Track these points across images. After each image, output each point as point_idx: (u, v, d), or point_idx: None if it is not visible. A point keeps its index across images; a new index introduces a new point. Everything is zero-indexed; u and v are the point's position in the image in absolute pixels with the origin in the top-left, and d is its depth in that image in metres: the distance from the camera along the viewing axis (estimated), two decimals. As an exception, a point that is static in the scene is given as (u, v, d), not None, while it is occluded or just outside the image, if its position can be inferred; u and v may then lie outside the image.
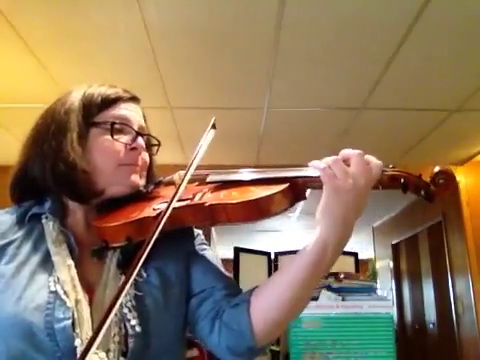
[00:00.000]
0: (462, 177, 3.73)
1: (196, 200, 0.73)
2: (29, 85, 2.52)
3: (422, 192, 0.68)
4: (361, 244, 6.15)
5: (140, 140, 0.80)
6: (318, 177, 0.69)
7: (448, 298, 4.07)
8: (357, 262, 4.84)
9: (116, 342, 0.67)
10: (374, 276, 6.60)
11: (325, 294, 2.52)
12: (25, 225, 0.77)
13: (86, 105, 0.79)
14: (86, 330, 0.66)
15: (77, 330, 0.66)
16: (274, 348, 3.17)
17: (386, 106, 2.81)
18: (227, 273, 0.85)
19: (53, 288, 0.69)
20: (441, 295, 4.34)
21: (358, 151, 0.69)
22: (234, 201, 0.69)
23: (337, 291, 2.53)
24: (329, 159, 0.69)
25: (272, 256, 4.50)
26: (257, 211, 0.69)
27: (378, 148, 3.46)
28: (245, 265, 4.26)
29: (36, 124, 0.83)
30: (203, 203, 0.71)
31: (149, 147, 0.86)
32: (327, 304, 2.51)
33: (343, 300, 2.51)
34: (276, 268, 4.45)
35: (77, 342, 0.65)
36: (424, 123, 3.05)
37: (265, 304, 0.72)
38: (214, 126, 0.80)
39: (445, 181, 0.67)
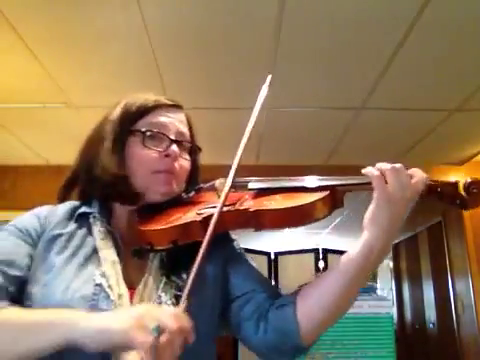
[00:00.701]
0: (462, 177, 3.73)
1: (240, 206, 0.77)
2: (29, 85, 2.52)
3: (457, 201, 0.73)
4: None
5: (174, 147, 0.82)
6: (356, 185, 0.74)
7: (448, 298, 4.07)
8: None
9: None
10: (374, 276, 6.60)
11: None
12: (74, 222, 0.82)
13: (124, 114, 0.84)
14: None
15: None
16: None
17: (386, 106, 2.81)
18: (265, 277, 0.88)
19: (98, 281, 0.72)
20: (441, 295, 4.34)
21: (400, 165, 0.73)
22: (277, 207, 0.73)
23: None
24: (381, 166, 0.73)
25: (272, 256, 4.50)
26: (299, 217, 0.73)
27: (378, 148, 3.46)
28: (245, 265, 4.25)
29: (91, 129, 0.88)
30: (247, 208, 0.74)
31: (191, 153, 0.89)
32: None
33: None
34: (276, 268, 4.45)
35: None
36: (424, 123, 3.05)
37: (311, 305, 0.75)
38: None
39: (478, 190, 0.73)
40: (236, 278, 0.83)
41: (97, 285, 0.72)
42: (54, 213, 0.84)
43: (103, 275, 0.73)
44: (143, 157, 0.81)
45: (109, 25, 2.03)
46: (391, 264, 5.83)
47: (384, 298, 3.43)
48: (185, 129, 0.87)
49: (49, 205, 0.87)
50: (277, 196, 0.78)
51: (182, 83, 2.50)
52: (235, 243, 0.91)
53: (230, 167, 0.81)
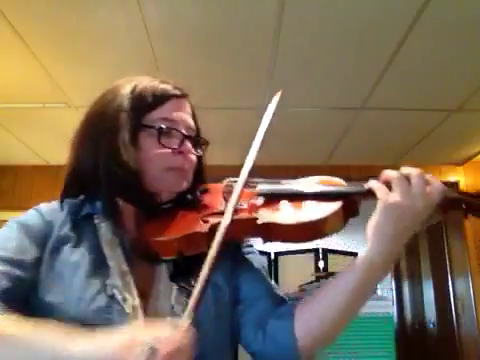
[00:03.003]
0: (462, 177, 3.73)
1: (249, 215, 0.72)
2: (29, 85, 2.52)
3: None
4: (361, 244, 6.15)
5: (187, 144, 0.79)
6: (373, 193, 0.66)
7: (448, 298, 4.07)
8: (357, 262, 4.83)
9: None
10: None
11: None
12: (77, 224, 0.76)
13: (136, 103, 0.77)
14: None
15: None
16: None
17: (386, 106, 2.81)
18: (271, 281, 0.84)
19: (110, 292, 0.69)
20: (441, 295, 4.34)
21: (419, 170, 0.65)
22: (288, 223, 0.69)
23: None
24: (390, 174, 0.66)
25: (272, 256, 4.50)
26: (311, 233, 0.69)
27: (378, 148, 3.46)
28: (245, 265, 4.25)
29: (86, 120, 0.81)
30: (255, 219, 0.70)
31: (198, 146, 0.84)
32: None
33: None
34: (276, 268, 4.45)
35: None
36: (424, 123, 3.05)
37: (310, 319, 0.72)
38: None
39: None
40: (243, 280, 0.81)
41: (110, 297, 0.68)
42: (57, 213, 0.78)
43: (114, 286, 0.69)
44: (157, 154, 0.76)
45: (109, 25, 2.03)
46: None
47: (384, 298, 3.42)
48: (192, 121, 0.84)
49: (49, 203, 0.80)
50: (288, 205, 0.72)
51: (182, 83, 2.50)
52: (243, 245, 0.87)
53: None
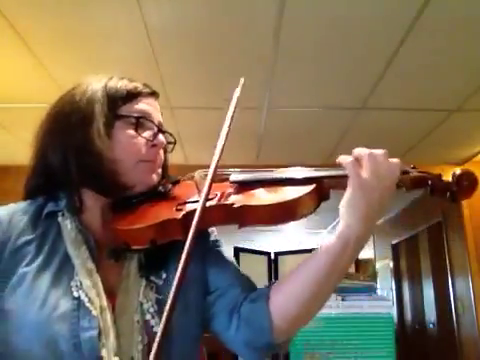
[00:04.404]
0: (378, 150, 3.73)
1: (223, 201, 0.71)
2: (29, 85, 2.52)
3: (448, 194, 0.71)
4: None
5: (161, 137, 0.79)
6: (344, 176, 0.68)
7: (448, 298, 4.07)
8: (357, 262, 4.84)
9: (140, 350, 0.66)
10: (374, 276, 6.60)
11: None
12: (41, 223, 0.74)
13: (110, 96, 0.76)
14: (111, 339, 0.64)
15: (103, 339, 0.64)
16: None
17: (386, 106, 2.81)
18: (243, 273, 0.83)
19: (76, 294, 0.67)
20: (441, 295, 4.34)
21: (384, 150, 0.69)
22: (264, 203, 0.69)
23: (337, 291, 2.53)
24: (359, 152, 0.68)
25: (272, 256, 4.50)
26: (286, 213, 0.69)
27: (378, 148, 3.46)
28: (245, 265, 4.25)
29: (51, 114, 0.80)
30: (231, 204, 0.70)
31: (167, 143, 0.84)
32: (327, 304, 2.51)
33: (343, 300, 2.51)
34: (276, 268, 4.45)
35: (104, 352, 0.63)
36: (424, 123, 3.05)
37: (285, 300, 0.72)
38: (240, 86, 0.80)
39: (469, 182, 0.70)
40: (212, 273, 0.79)
41: (75, 299, 0.66)
42: (17, 215, 0.74)
43: (80, 286, 0.67)
44: (132, 144, 0.75)
45: (109, 25, 2.03)
46: (391, 264, 5.83)
47: (384, 298, 3.42)
48: (161, 120, 0.83)
49: (7, 206, 0.77)
50: (261, 190, 0.73)
51: (182, 83, 2.50)
52: (212, 235, 0.85)
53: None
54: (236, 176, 0.77)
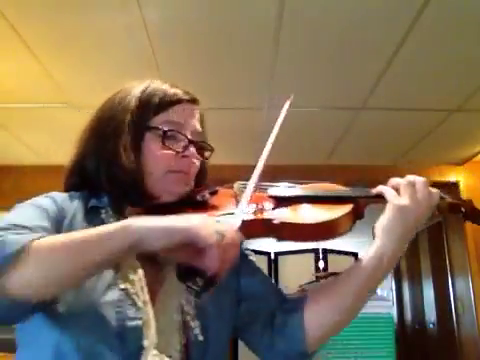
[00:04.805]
0: (462, 177, 3.73)
1: (262, 215, 0.74)
2: (29, 85, 2.52)
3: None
4: (361, 244, 6.15)
5: (192, 148, 0.79)
6: (381, 197, 0.75)
7: (448, 298, 4.07)
8: (357, 262, 4.82)
9: (177, 350, 0.68)
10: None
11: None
12: (86, 214, 0.75)
13: (142, 106, 0.78)
14: (152, 332, 0.66)
15: (145, 331, 0.65)
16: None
17: (386, 106, 2.81)
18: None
19: (122, 286, 0.68)
20: (441, 295, 4.34)
21: (423, 178, 0.75)
22: (304, 222, 0.72)
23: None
24: (398, 180, 0.75)
25: (272, 256, 4.50)
26: (324, 233, 0.73)
27: (378, 148, 3.46)
28: (245, 265, 4.25)
29: (94, 117, 0.81)
30: (271, 219, 0.72)
31: (202, 151, 0.84)
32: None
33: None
34: (276, 268, 4.45)
35: (145, 342, 0.65)
36: (424, 123, 3.05)
37: (319, 312, 0.76)
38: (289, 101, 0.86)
39: None
40: (245, 282, 0.83)
41: (122, 290, 0.68)
42: (68, 202, 0.76)
43: (126, 279, 0.69)
44: (161, 156, 0.76)
45: (109, 25, 2.03)
46: (391, 264, 5.82)
47: (384, 298, 3.42)
48: (200, 127, 0.84)
49: (59, 192, 0.79)
50: (300, 206, 0.76)
51: (182, 83, 2.50)
52: (244, 244, 0.87)
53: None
54: (275, 190, 0.79)
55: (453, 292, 3.99)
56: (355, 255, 4.77)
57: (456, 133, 3.21)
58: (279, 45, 2.16)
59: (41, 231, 0.65)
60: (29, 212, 0.70)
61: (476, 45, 2.16)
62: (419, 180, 0.74)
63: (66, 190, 0.80)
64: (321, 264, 4.41)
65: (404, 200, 0.73)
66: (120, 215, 0.77)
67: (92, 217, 0.75)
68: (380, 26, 2.03)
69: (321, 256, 4.44)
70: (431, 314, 4.69)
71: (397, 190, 0.74)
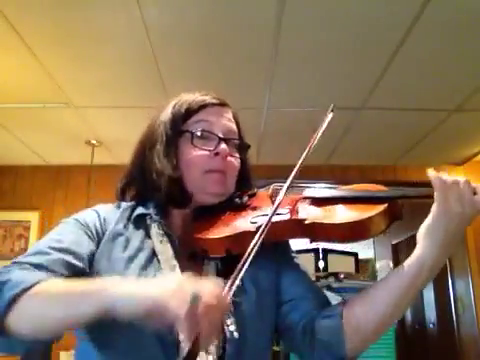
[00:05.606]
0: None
1: (295, 216, 0.75)
2: (29, 85, 2.52)
3: None
4: (361, 244, 6.14)
5: (223, 145, 0.81)
6: (416, 197, 0.72)
7: (448, 298, 4.07)
8: (357, 262, 4.83)
9: (215, 345, 0.68)
10: (374, 276, 6.59)
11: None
12: (131, 222, 0.81)
13: (174, 115, 0.83)
14: None
15: None
16: (274, 348, 3.17)
17: (386, 106, 2.81)
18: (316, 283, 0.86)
19: None
20: (441, 295, 4.34)
21: (466, 179, 0.70)
22: (334, 222, 0.72)
23: (337, 291, 2.53)
24: (447, 178, 0.69)
25: (272, 256, 4.50)
26: (357, 232, 0.72)
27: (378, 148, 3.46)
28: (245, 265, 4.25)
29: (142, 133, 0.88)
30: (303, 220, 0.73)
31: (240, 151, 0.87)
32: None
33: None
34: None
35: (182, 337, 0.65)
36: (424, 123, 3.05)
37: (358, 318, 0.74)
38: (332, 110, 0.87)
39: None
40: (286, 283, 0.83)
41: None
42: (111, 213, 0.83)
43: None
44: (193, 157, 0.80)
45: (109, 25, 2.03)
46: (391, 264, 5.82)
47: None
48: (233, 126, 0.86)
49: (105, 204, 0.86)
50: (335, 207, 0.76)
51: (182, 83, 2.50)
52: (289, 247, 0.90)
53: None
54: (310, 191, 0.81)
55: (453, 292, 4.00)
56: (355, 255, 4.77)
57: (456, 133, 3.22)
58: (279, 45, 2.16)
59: (67, 254, 0.72)
60: (67, 230, 0.77)
61: (476, 45, 2.16)
62: (463, 181, 0.69)
63: (119, 192, 0.88)
64: (321, 264, 4.40)
65: (451, 201, 0.68)
66: (166, 219, 0.81)
67: (138, 224, 0.81)
68: (380, 26, 2.03)
69: (321, 256, 4.43)
70: (431, 314, 4.69)
71: (442, 191, 0.69)
